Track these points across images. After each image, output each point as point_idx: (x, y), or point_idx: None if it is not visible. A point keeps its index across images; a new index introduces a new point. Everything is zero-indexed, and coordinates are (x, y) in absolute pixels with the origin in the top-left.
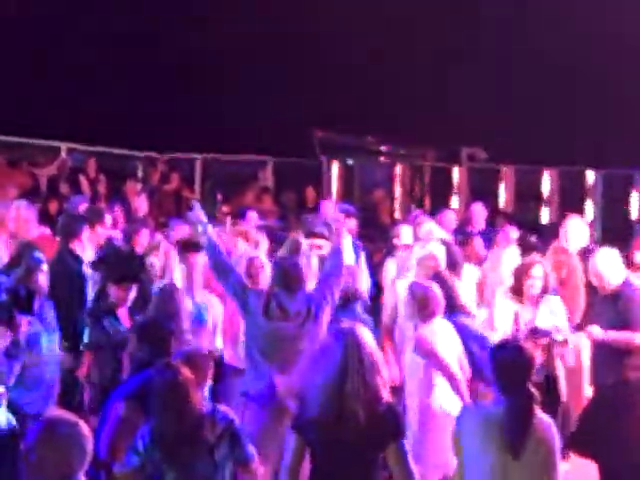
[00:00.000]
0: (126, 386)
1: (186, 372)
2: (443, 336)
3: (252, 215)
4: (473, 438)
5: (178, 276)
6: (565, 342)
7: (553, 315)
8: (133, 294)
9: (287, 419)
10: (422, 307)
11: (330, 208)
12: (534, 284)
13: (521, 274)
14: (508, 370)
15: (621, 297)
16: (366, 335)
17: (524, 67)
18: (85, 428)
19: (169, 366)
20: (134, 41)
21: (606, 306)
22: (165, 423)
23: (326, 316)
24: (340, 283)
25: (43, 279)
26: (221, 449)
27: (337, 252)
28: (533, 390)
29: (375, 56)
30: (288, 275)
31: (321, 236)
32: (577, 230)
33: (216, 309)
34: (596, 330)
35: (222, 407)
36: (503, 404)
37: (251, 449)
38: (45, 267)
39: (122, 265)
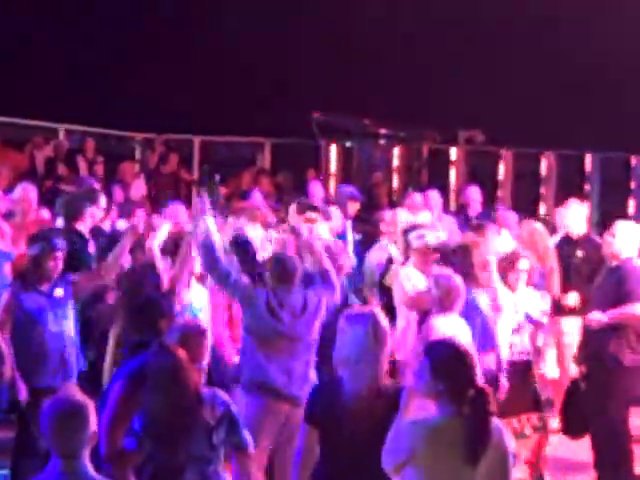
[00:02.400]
0: (124, 368)
1: (182, 353)
2: (455, 332)
3: (257, 195)
4: (426, 453)
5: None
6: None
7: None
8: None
9: (280, 409)
10: (443, 298)
11: (319, 189)
12: (519, 277)
13: (507, 266)
14: (452, 372)
15: (622, 269)
16: (382, 318)
17: (523, 49)
18: (91, 407)
19: (164, 348)
20: (131, 22)
21: (608, 278)
22: (162, 406)
23: (322, 312)
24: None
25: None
26: (220, 432)
27: (326, 276)
28: (484, 390)
29: (374, 37)
30: (285, 270)
31: (314, 209)
32: (576, 214)
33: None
34: (595, 316)
35: (220, 391)
36: (452, 413)
37: (247, 435)
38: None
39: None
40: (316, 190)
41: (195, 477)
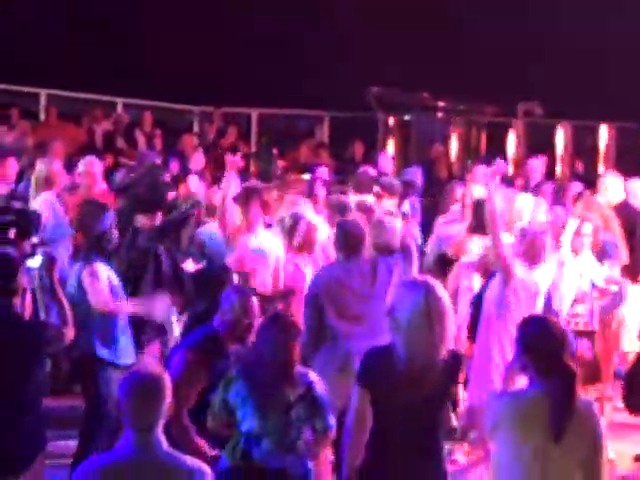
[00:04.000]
0: (189, 337)
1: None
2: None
3: (322, 170)
4: (511, 426)
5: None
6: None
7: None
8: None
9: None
10: (528, 249)
11: (388, 162)
12: (583, 242)
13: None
14: (539, 348)
15: None
16: (440, 289)
17: (580, 20)
18: (167, 380)
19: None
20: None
21: None
22: (268, 362)
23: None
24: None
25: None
26: (298, 409)
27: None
28: (572, 367)
29: (433, 11)
30: (349, 238)
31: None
32: (613, 186)
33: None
34: None
35: (311, 372)
36: (540, 388)
37: (332, 420)
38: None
39: (149, 194)
40: (386, 164)
41: (270, 447)
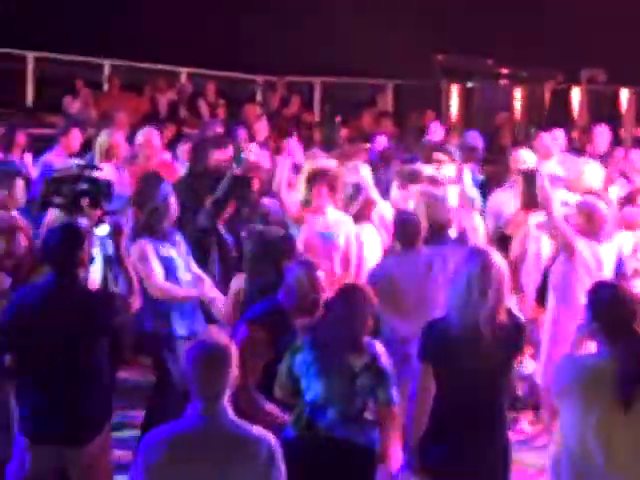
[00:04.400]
0: (252, 310)
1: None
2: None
3: (381, 139)
4: (577, 392)
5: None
6: None
7: None
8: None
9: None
10: (585, 224)
11: (439, 130)
12: None
13: (625, 202)
14: (610, 314)
15: None
16: (497, 257)
17: None
18: (234, 349)
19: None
20: None
21: None
22: (342, 326)
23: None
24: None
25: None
26: (363, 379)
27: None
28: (637, 335)
29: None
30: (407, 230)
31: (443, 150)
32: None
33: (349, 229)
34: None
35: (377, 343)
36: (608, 354)
37: (395, 393)
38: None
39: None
40: (437, 131)
41: (335, 416)
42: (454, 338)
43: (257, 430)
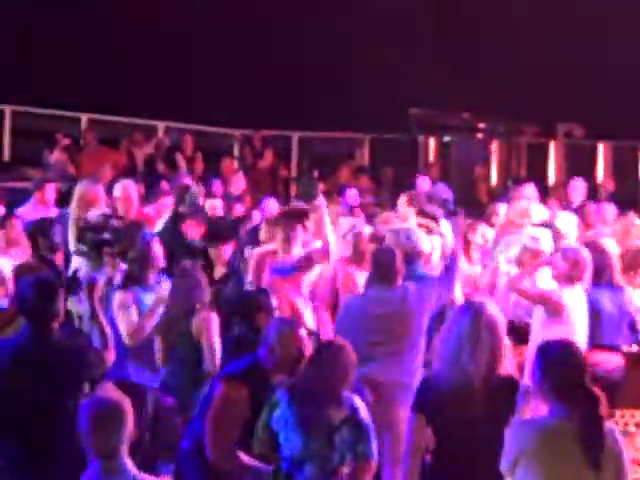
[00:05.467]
0: (230, 367)
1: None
2: (579, 305)
3: (351, 192)
4: (535, 459)
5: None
6: None
7: None
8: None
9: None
10: (571, 269)
11: (426, 183)
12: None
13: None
14: (561, 372)
15: None
16: (493, 309)
17: (621, 39)
18: (128, 405)
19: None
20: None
21: None
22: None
23: (426, 314)
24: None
25: (158, 252)
26: (342, 433)
27: (452, 262)
28: (594, 392)
29: (469, 32)
30: (382, 266)
31: (432, 217)
32: None
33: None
34: None
35: (355, 396)
36: (564, 414)
37: (374, 447)
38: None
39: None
40: (423, 185)
41: (313, 472)
42: (447, 393)
43: None
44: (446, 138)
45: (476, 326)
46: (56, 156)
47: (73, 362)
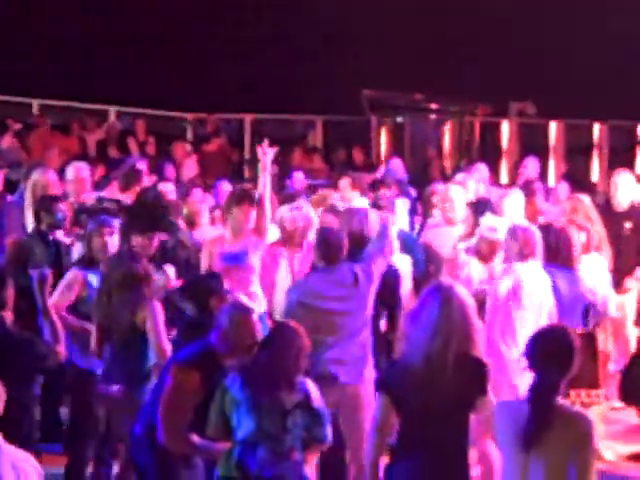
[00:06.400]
0: (182, 352)
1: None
2: (534, 280)
3: (298, 175)
4: (504, 436)
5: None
6: None
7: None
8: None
9: (329, 388)
10: (523, 247)
11: (400, 167)
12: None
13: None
14: (543, 356)
15: None
16: (463, 292)
17: (574, 19)
18: (33, 462)
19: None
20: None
21: None
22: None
23: (373, 287)
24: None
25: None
26: (294, 417)
27: (383, 233)
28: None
29: (424, 12)
30: (328, 246)
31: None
32: (626, 185)
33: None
34: None
35: (308, 381)
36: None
37: (328, 430)
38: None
39: (146, 215)
40: (397, 167)
41: (265, 455)
42: (413, 373)
43: None
44: (399, 119)
45: (446, 309)
46: (7, 141)
47: (22, 352)
